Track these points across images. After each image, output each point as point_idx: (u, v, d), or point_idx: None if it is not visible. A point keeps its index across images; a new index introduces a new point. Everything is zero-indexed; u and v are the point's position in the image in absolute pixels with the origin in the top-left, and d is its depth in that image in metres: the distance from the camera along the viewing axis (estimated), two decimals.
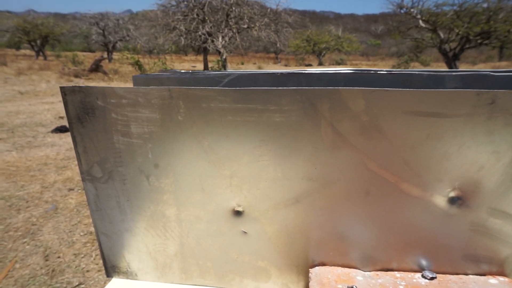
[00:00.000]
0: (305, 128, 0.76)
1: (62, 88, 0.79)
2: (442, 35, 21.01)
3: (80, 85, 0.74)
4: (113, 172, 0.86)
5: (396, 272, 0.85)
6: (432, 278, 0.81)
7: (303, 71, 1.10)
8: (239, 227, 0.88)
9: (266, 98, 0.75)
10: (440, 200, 0.78)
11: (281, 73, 1.09)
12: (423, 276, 0.83)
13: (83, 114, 0.81)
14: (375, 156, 0.76)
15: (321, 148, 0.78)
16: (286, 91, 0.74)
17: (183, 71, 1.15)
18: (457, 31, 20.23)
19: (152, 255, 0.94)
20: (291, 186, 0.82)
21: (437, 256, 0.83)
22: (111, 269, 0.98)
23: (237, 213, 0.86)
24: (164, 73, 1.11)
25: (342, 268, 0.87)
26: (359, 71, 1.06)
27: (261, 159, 0.80)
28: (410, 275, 0.84)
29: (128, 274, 0.98)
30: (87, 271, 3.11)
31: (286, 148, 0.78)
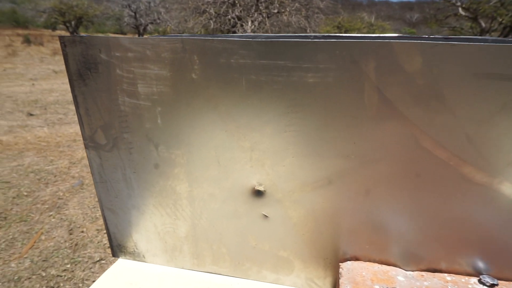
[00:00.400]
0: (344, 92, 0.62)
1: (61, 38, 0.68)
2: (483, 24, 19.74)
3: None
4: (118, 139, 0.75)
5: (446, 275, 0.70)
6: (492, 285, 0.66)
7: (341, 36, 0.94)
8: (259, 209, 0.75)
9: (298, 53, 0.61)
10: (511, 190, 0.62)
11: (315, 36, 0.94)
12: (480, 282, 0.68)
13: (84, 70, 0.70)
14: (431, 131, 0.61)
15: (362, 118, 0.63)
16: (323, 45, 0.59)
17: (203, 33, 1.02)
18: (500, 20, 18.94)
19: (161, 236, 0.84)
20: (322, 163, 0.68)
21: (500, 259, 0.67)
22: (117, 249, 0.89)
23: (258, 193, 0.74)
24: (182, 35, 0.99)
25: (379, 265, 0.73)
26: (410, 37, 0.90)
27: (288, 130, 0.66)
28: (464, 279, 0.69)
29: (135, 255, 0.88)
30: (108, 247, 3.12)
31: (319, 117, 0.65)
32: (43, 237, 3.35)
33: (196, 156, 0.73)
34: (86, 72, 0.70)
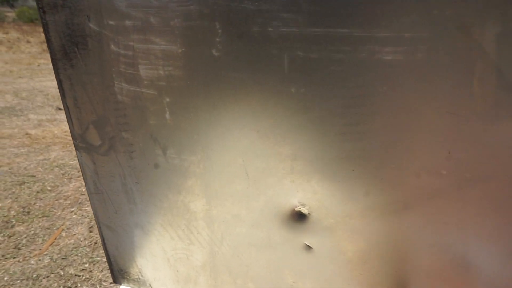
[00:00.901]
0: (440, 76, 0.40)
1: (39, 2, 0.50)
2: None
3: None
4: (116, 140, 0.57)
5: None
6: None
7: None
8: (300, 238, 0.55)
9: (370, 15, 0.40)
10: None
11: None
12: None
13: (70, 46, 0.52)
14: None
15: (467, 117, 0.41)
16: (410, 2, 0.38)
17: None
18: None
19: (171, 263, 0.65)
20: (397, 180, 0.47)
21: None
22: (118, 274, 0.71)
23: (300, 217, 0.54)
24: None
25: None
26: None
27: (348, 131, 0.46)
28: None
29: (140, 284, 0.70)
30: None
31: (397, 113, 0.43)
32: (63, 234, 3.29)
33: (217, 165, 0.54)
34: (72, 49, 0.52)
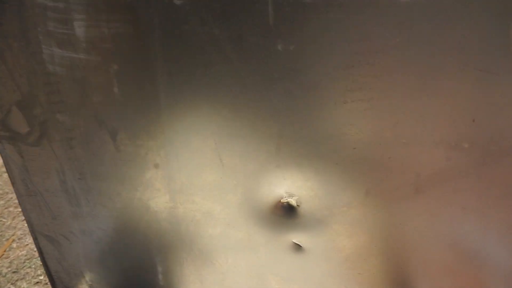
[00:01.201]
0: (468, 22, 0.32)
1: None
2: None
3: None
4: (49, 125, 0.44)
5: None
6: None
7: None
8: (287, 236, 0.45)
9: None
10: None
11: None
12: None
13: None
14: None
15: (498, 74, 0.33)
16: None
17: None
18: None
19: (131, 278, 0.53)
20: (409, 158, 0.38)
21: None
22: None
23: (287, 210, 0.44)
24: None
25: None
26: None
27: (350, 98, 0.36)
28: None
29: None
30: None
31: (412, 72, 0.34)
32: (14, 245, 3.00)
33: (182, 151, 0.42)
34: None
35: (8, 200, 4.04)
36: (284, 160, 0.41)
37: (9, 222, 3.65)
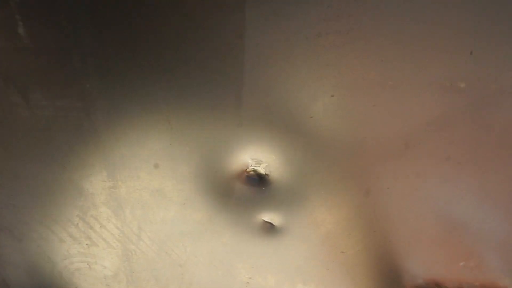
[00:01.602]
0: None
1: None
2: None
3: None
4: None
5: None
6: None
7: None
8: (256, 213, 0.38)
9: None
10: None
11: None
12: None
13: None
14: None
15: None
16: None
17: None
18: None
19: (65, 278, 0.43)
20: (397, 104, 0.32)
21: None
22: None
23: (254, 181, 0.36)
24: None
25: None
26: None
27: (329, 29, 0.29)
28: None
29: None
30: None
31: None
32: None
33: (119, 111, 0.33)
34: None
35: None
36: (248, 117, 0.33)
37: None
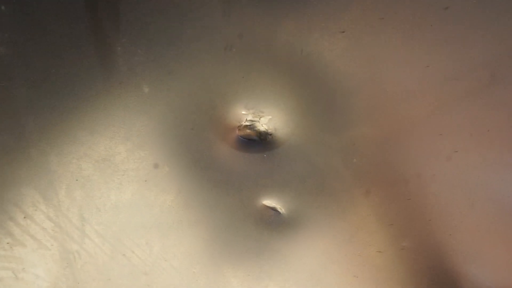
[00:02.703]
0: None
1: None
2: None
3: None
4: None
5: None
6: None
7: None
8: (255, 196, 0.25)
9: None
10: None
11: None
12: None
13: None
14: None
15: None
16: None
17: None
18: None
19: None
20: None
21: None
22: None
23: (251, 143, 0.23)
24: None
25: None
26: None
27: None
28: None
29: None
30: None
31: None
32: None
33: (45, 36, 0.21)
34: None
35: None
36: (242, 50, 0.21)
37: None
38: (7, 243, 0.29)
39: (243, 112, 0.24)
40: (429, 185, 0.26)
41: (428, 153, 0.23)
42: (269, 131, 0.24)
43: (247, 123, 0.24)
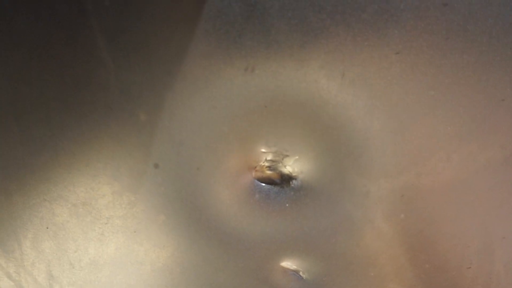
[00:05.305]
0: None
1: None
2: None
3: None
4: None
5: None
6: None
7: None
8: (272, 256, 0.19)
9: None
10: None
11: None
12: None
13: None
14: None
15: None
16: None
17: None
18: None
19: None
20: None
21: None
22: None
23: (271, 189, 0.18)
24: None
25: None
26: None
27: None
28: None
29: None
30: None
31: None
32: None
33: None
34: None
35: None
36: (260, 56, 0.16)
37: None
38: None
39: (262, 150, 0.19)
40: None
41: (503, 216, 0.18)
42: (294, 174, 0.19)
43: (267, 164, 0.19)
